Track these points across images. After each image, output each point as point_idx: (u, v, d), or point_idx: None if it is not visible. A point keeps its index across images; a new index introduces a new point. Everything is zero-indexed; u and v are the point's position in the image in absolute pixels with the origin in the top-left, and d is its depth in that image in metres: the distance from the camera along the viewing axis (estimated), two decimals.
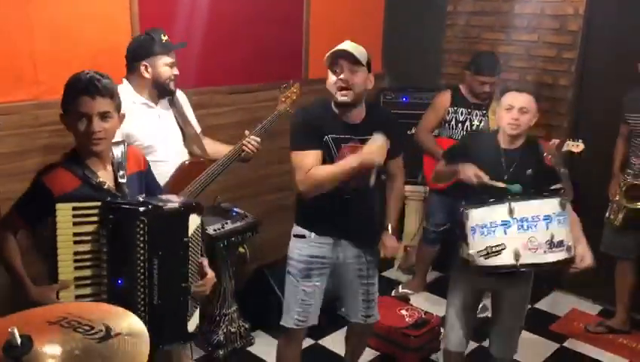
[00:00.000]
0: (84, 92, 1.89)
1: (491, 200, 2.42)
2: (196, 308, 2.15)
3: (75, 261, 1.89)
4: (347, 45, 2.42)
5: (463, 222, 2.45)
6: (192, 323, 2.12)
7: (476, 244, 2.40)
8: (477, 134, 2.78)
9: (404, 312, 3.55)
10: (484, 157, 2.62)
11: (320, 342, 3.52)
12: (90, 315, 1.20)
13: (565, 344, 3.66)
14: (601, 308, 4.06)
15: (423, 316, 3.51)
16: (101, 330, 1.16)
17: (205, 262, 2.20)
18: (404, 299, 3.97)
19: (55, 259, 1.87)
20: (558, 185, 2.47)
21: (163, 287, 1.96)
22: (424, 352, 3.42)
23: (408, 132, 3.94)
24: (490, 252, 2.35)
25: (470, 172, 2.57)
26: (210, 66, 3.45)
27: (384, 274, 4.52)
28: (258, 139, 2.91)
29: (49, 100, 2.77)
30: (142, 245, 1.91)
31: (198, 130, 3.00)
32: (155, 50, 2.65)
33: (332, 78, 2.42)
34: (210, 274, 2.20)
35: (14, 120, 2.72)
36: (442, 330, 3.52)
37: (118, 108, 2.01)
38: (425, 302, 4.03)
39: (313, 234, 2.59)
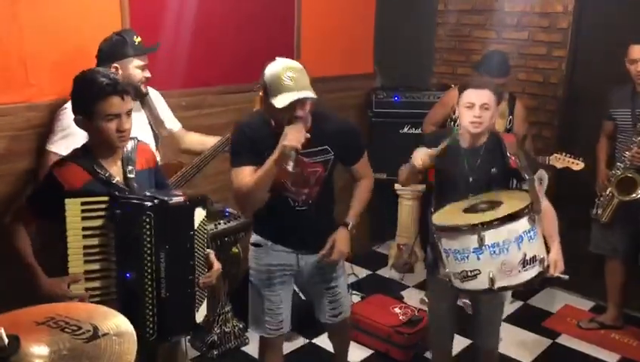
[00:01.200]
0: (114, 93, 1.95)
1: (458, 229, 2.29)
2: (203, 299, 2.18)
3: (85, 255, 1.94)
4: (298, 82, 2.19)
5: (436, 241, 2.41)
6: (200, 314, 2.16)
7: (451, 266, 2.36)
8: (439, 136, 2.67)
9: (397, 310, 3.56)
10: (446, 159, 2.52)
11: (314, 341, 3.53)
12: (78, 315, 1.20)
13: (558, 340, 3.68)
14: (594, 304, 4.09)
15: (416, 313, 3.52)
16: (89, 330, 1.17)
17: (212, 253, 2.25)
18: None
19: (65, 253, 1.92)
20: (524, 204, 2.29)
21: (170, 280, 2.01)
22: (417, 349, 3.43)
23: (400, 131, 3.94)
24: (466, 276, 2.30)
25: (417, 155, 2.44)
26: (201, 67, 3.45)
27: (378, 272, 4.55)
28: None
29: (40, 102, 2.77)
30: (148, 239, 1.96)
31: (178, 126, 2.98)
32: (126, 52, 2.60)
33: (282, 114, 2.21)
34: (217, 265, 2.25)
35: (5, 122, 2.71)
36: None
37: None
38: (418, 300, 4.04)
39: (270, 243, 2.53)
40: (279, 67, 2.22)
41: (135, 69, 2.64)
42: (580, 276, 2.55)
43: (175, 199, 2.03)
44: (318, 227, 2.51)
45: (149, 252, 1.97)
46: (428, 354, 3.46)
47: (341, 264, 2.66)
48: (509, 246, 2.22)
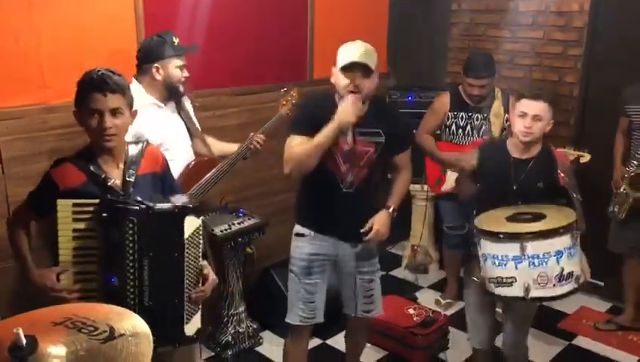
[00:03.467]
0: (95, 89, 1.92)
1: (502, 235, 2.33)
2: (195, 312, 2.10)
3: (74, 256, 1.91)
4: (361, 51, 2.40)
5: (476, 243, 2.44)
6: (192, 327, 2.07)
7: (488, 271, 2.39)
8: (489, 146, 2.72)
9: (411, 311, 3.55)
10: (494, 167, 2.59)
11: (327, 341, 3.52)
12: (95, 316, 1.21)
13: (574, 341, 3.65)
14: (611, 305, 4.04)
15: (431, 315, 3.51)
16: (105, 331, 1.18)
17: (207, 266, 2.15)
18: (449, 306, 3.98)
19: (56, 253, 1.91)
20: (571, 219, 2.34)
21: (154, 289, 1.93)
22: (432, 351, 3.41)
23: (414, 131, 3.92)
24: (501, 282, 2.34)
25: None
26: (215, 68, 3.46)
27: (391, 273, 4.53)
28: (263, 137, 3.02)
29: (56, 104, 2.80)
30: (131, 245, 1.90)
31: (199, 128, 3.01)
32: (167, 52, 2.67)
33: (343, 81, 2.41)
34: (212, 278, 2.15)
35: (22, 124, 2.75)
36: (450, 329, 3.54)
37: (130, 104, 2.02)
38: (432, 301, 4.03)
39: (312, 233, 2.61)
40: (353, 43, 2.44)
41: (175, 68, 2.70)
42: (597, 277, 2.54)
43: (161, 205, 1.96)
44: (361, 212, 2.56)
45: (131, 258, 1.89)
46: (442, 356, 3.45)
47: (377, 266, 2.76)
48: (548, 259, 2.27)
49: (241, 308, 3.44)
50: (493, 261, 2.34)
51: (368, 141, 2.52)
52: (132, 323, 1.22)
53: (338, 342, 3.47)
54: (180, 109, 2.86)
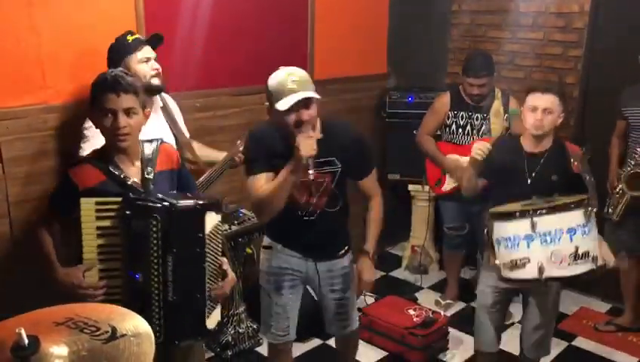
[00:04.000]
0: (108, 89, 1.97)
1: (513, 214, 2.35)
2: (215, 306, 2.15)
3: (98, 254, 1.96)
4: (297, 83, 2.21)
5: (488, 231, 2.45)
6: (212, 320, 2.12)
7: (502, 256, 2.39)
8: (501, 143, 2.75)
9: (411, 312, 3.55)
10: (507, 162, 2.60)
11: (327, 342, 3.52)
12: (97, 316, 1.21)
13: (574, 342, 3.65)
14: (610, 306, 4.05)
15: (431, 315, 3.51)
16: (107, 331, 1.18)
17: (225, 262, 2.19)
18: (449, 307, 3.98)
19: (80, 251, 1.94)
20: (582, 196, 2.36)
21: (178, 284, 1.99)
22: (432, 351, 3.41)
23: (414, 131, 3.93)
24: (515, 265, 2.33)
25: (475, 146, 2.59)
26: (215, 68, 3.46)
27: (391, 273, 4.54)
28: None
29: (57, 104, 2.80)
30: (155, 241, 1.95)
31: (187, 135, 2.96)
32: (123, 52, 2.61)
33: (287, 120, 2.22)
34: (231, 275, 2.19)
35: (23, 124, 2.74)
36: (450, 330, 3.54)
37: (143, 105, 2.07)
38: (432, 302, 4.03)
39: (280, 246, 2.54)
40: (282, 73, 2.25)
41: (138, 64, 2.62)
42: (596, 277, 2.54)
43: (184, 202, 2.01)
44: (326, 237, 2.51)
45: (155, 255, 1.95)
46: (442, 356, 3.45)
47: (352, 276, 2.60)
48: (560, 236, 2.27)
49: (241, 309, 3.44)
50: (506, 244, 2.35)
51: (323, 172, 2.37)
52: (134, 324, 1.22)
53: None
54: (165, 112, 2.82)
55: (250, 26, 3.59)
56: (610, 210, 3.48)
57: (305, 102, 2.22)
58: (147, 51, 2.66)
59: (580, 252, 2.28)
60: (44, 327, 1.16)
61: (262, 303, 2.63)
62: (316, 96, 2.24)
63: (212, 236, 2.07)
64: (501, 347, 2.87)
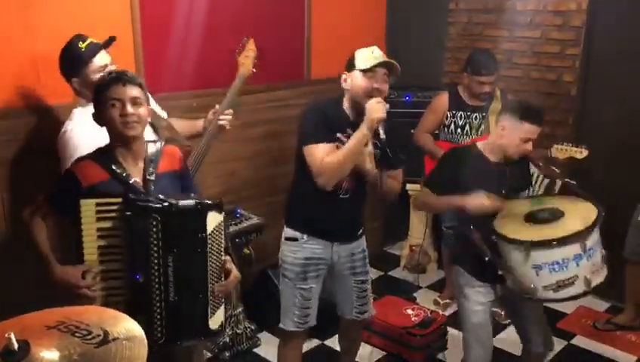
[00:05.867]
0: (114, 81, 2.00)
1: (566, 237, 2.30)
2: (219, 306, 2.13)
3: (99, 255, 1.95)
4: (381, 53, 2.44)
5: (511, 258, 2.38)
6: (215, 321, 2.11)
7: (543, 280, 2.33)
8: (459, 154, 2.68)
9: (410, 311, 3.54)
10: (475, 177, 2.51)
11: (325, 342, 3.51)
12: (88, 320, 1.20)
13: (573, 341, 3.64)
14: (609, 305, 4.04)
15: (429, 315, 3.50)
16: (99, 335, 1.16)
17: (229, 261, 2.19)
18: (447, 306, 3.96)
19: (81, 252, 1.93)
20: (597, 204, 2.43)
21: (179, 284, 1.99)
22: (430, 351, 3.40)
23: (412, 130, 3.91)
24: (562, 285, 2.32)
25: (478, 201, 2.44)
26: (212, 68, 3.45)
27: (390, 273, 4.53)
28: (231, 111, 2.80)
29: (51, 104, 2.79)
30: (156, 242, 1.94)
31: (165, 115, 2.84)
32: (78, 63, 2.40)
33: (363, 82, 2.40)
34: (234, 273, 2.19)
35: (17, 124, 2.73)
36: (449, 329, 3.52)
37: (147, 100, 2.09)
38: (430, 301, 4.02)
39: (305, 236, 2.58)
40: (371, 47, 2.48)
41: (94, 74, 2.39)
42: None
43: (184, 202, 2.00)
44: (353, 217, 2.63)
45: (156, 255, 1.95)
46: (441, 356, 3.44)
47: (368, 267, 2.76)
48: (597, 247, 2.34)
49: (239, 310, 3.43)
50: (552, 268, 2.30)
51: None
52: (126, 327, 1.20)
53: (336, 343, 3.43)
54: None
55: (247, 27, 3.56)
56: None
57: (386, 71, 2.41)
58: (103, 58, 2.46)
59: (604, 254, 2.38)
60: (34, 331, 1.14)
61: (284, 292, 2.67)
62: (398, 68, 2.42)
63: (214, 235, 2.06)
64: (501, 347, 2.85)
